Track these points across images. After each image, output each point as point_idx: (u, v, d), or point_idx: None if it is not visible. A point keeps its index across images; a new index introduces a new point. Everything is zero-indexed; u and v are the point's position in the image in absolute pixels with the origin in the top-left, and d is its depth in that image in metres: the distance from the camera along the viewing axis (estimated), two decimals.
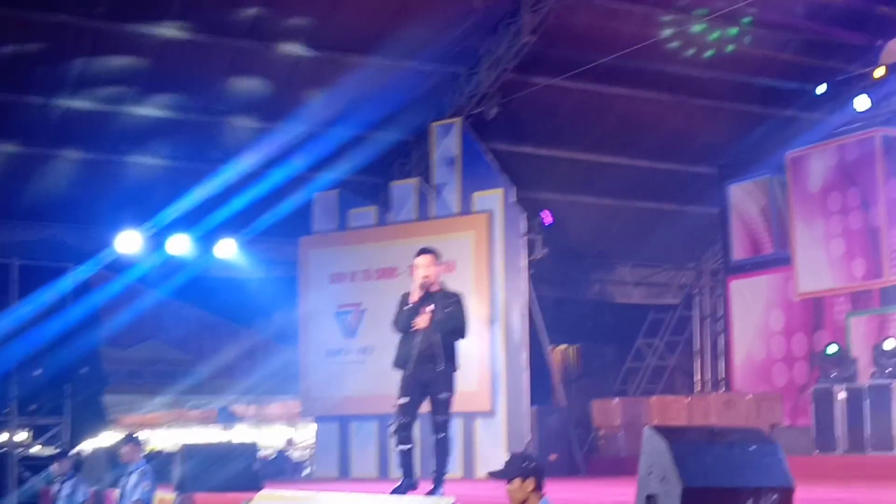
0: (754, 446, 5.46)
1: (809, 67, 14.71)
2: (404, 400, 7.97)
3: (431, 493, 7.86)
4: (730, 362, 16.58)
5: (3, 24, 12.18)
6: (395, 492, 8.00)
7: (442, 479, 8.00)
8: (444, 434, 7.98)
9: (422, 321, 7.89)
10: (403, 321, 7.99)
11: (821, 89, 14.50)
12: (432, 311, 7.89)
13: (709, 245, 18.09)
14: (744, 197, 16.20)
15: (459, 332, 8.05)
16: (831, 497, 8.24)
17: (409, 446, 8.00)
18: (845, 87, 14.36)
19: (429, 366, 7.91)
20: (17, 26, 12.27)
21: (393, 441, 8.23)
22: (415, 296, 7.93)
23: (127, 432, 11.19)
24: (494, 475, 5.30)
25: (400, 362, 8.03)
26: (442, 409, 7.98)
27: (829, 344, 13.59)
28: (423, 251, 8.13)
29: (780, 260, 15.43)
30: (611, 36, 13.66)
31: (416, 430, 8.09)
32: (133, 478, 9.77)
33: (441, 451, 8.02)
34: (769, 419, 13.28)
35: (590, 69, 13.63)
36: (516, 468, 5.24)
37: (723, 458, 5.30)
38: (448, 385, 8.00)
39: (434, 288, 8.00)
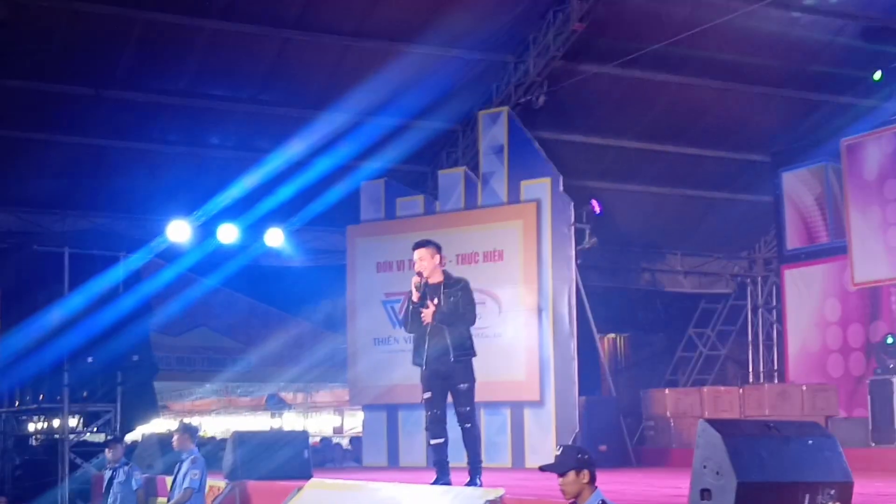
0: (811, 440, 5.36)
1: (865, 53, 14.40)
2: (427, 395, 7.96)
3: (468, 484, 7.82)
4: (784, 353, 16.36)
5: (52, 15, 12.29)
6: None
7: (477, 470, 7.95)
8: (469, 424, 7.91)
9: (427, 315, 7.83)
10: (411, 323, 7.97)
11: (877, 75, 14.21)
12: (436, 304, 7.81)
13: (762, 234, 17.85)
14: (798, 185, 15.94)
15: (464, 320, 7.91)
16: (889, 491, 8.06)
17: (441, 440, 7.95)
18: None
19: (442, 358, 7.87)
20: (66, 18, 12.36)
21: (427, 436, 8.21)
22: (415, 296, 7.86)
23: (181, 421, 11.29)
24: (549, 469, 5.20)
25: (416, 359, 8.02)
26: (463, 400, 7.92)
27: (887, 335, 13.34)
28: (418, 244, 7.99)
29: (835, 249, 15.16)
30: (660, 22, 13.46)
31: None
32: (184, 466, 9.84)
33: (470, 441, 7.97)
34: (824, 411, 13.06)
35: (639, 56, 13.46)
36: (571, 461, 5.14)
37: (779, 452, 5.21)
38: (466, 375, 7.93)
39: (436, 279, 7.92)
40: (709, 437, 5.21)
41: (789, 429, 5.42)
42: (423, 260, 7.90)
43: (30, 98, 13.24)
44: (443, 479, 7.96)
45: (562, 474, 5.13)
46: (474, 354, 8.05)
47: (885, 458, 11.42)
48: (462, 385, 7.91)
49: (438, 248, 8.00)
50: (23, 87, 13.12)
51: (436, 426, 7.95)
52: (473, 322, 8.01)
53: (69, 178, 14.11)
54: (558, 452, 5.20)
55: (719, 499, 5.11)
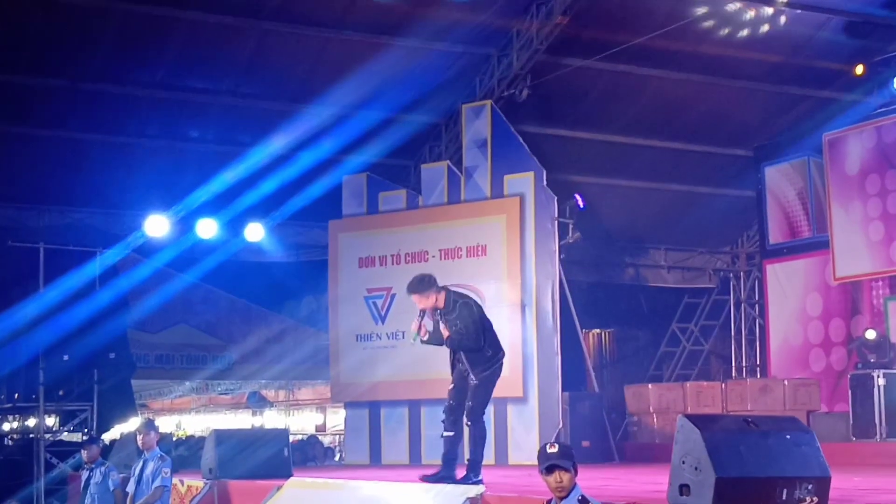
0: (789, 435, 5.34)
1: (848, 48, 14.40)
2: (451, 385, 8.10)
3: (463, 480, 7.77)
4: (766, 347, 16.36)
5: (29, 6, 12.15)
6: (428, 479, 7.90)
7: (473, 467, 7.92)
8: (471, 422, 7.95)
9: (443, 331, 8.02)
10: (436, 343, 8.14)
11: (859, 70, 14.20)
12: (447, 328, 7.99)
13: (744, 228, 17.86)
14: (780, 179, 15.93)
15: (468, 347, 8.01)
16: (869, 485, 8.04)
17: (451, 434, 7.98)
18: (884, 68, 14.07)
19: (466, 377, 8.03)
20: (43, 9, 12.22)
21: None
22: (414, 325, 8.07)
23: (145, 419, 11.16)
24: (563, 467, 5.09)
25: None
26: (470, 395, 8.00)
27: (868, 329, 13.35)
28: (408, 290, 8.14)
29: (817, 243, 15.18)
30: (643, 16, 13.43)
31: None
32: (150, 464, 9.71)
33: (469, 438, 7.98)
34: (806, 405, 13.06)
35: (622, 50, 13.41)
36: (571, 457, 5.12)
37: (757, 448, 5.19)
38: (478, 371, 7.99)
39: (440, 305, 8.04)
40: (687, 432, 5.19)
41: (767, 424, 5.40)
42: (419, 303, 8.06)
43: (4, 91, 13.09)
44: (444, 472, 7.96)
45: (567, 470, 5.08)
46: (502, 355, 8.14)
47: (865, 453, 11.43)
48: (472, 379, 7.98)
49: (429, 285, 8.05)
50: None
51: (448, 417, 8.01)
52: (476, 348, 7.98)
53: (45, 172, 13.96)
54: (555, 450, 5.11)
55: (698, 494, 5.08)
